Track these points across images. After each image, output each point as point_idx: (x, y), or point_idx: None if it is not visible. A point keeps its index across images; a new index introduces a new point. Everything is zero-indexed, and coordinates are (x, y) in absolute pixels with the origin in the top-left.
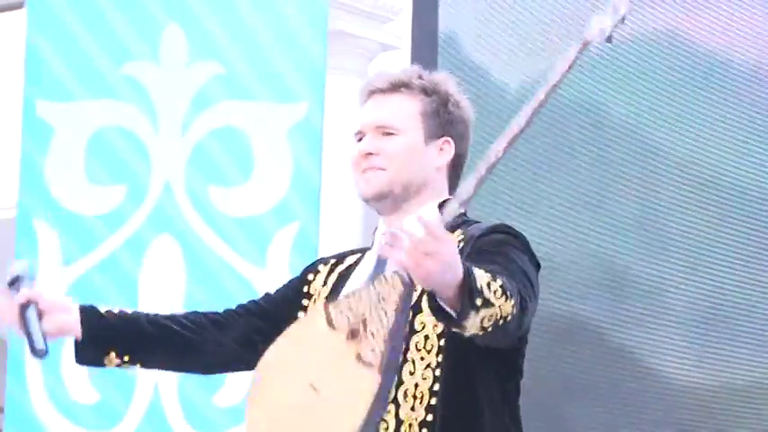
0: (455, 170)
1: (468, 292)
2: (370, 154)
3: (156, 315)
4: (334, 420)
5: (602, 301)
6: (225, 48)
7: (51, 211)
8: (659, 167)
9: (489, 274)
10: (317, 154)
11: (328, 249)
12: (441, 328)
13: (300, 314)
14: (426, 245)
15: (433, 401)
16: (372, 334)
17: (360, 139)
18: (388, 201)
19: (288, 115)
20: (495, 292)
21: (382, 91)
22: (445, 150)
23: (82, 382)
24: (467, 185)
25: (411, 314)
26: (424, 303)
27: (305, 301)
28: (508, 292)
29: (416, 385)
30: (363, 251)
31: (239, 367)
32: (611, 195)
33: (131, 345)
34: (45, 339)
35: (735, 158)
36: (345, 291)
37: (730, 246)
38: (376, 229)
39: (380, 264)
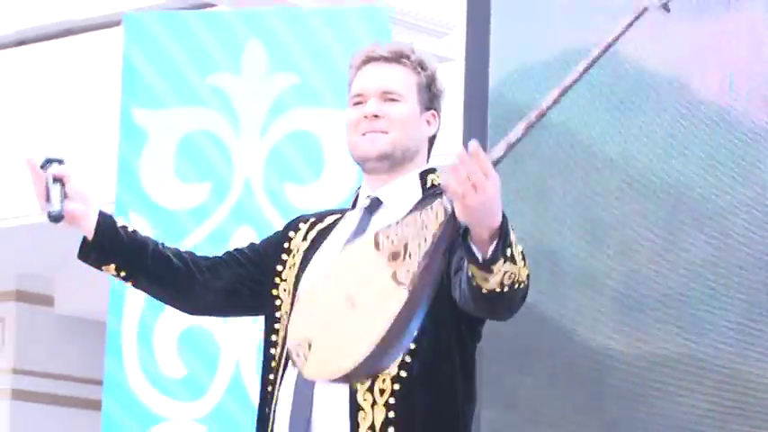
0: (431, 144)
1: (503, 239)
2: (376, 116)
3: (163, 246)
4: (361, 330)
5: (542, 283)
6: (300, 60)
7: (144, 206)
8: (594, 164)
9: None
10: None
11: None
12: None
13: (279, 267)
14: (477, 177)
15: (408, 359)
16: (410, 256)
17: (358, 103)
18: (387, 162)
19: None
20: (520, 253)
21: (385, 59)
22: (431, 123)
23: (171, 358)
24: (516, 129)
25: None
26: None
27: (284, 256)
28: (526, 260)
29: None
30: (343, 211)
31: (223, 313)
32: (551, 188)
33: (131, 265)
34: (62, 207)
35: (661, 158)
36: (324, 247)
37: (657, 234)
38: (358, 192)
39: (363, 221)
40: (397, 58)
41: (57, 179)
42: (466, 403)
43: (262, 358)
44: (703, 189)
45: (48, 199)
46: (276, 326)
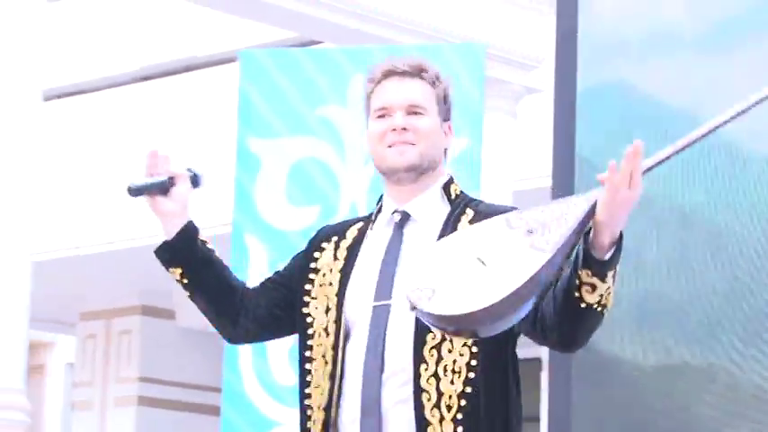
0: (446, 154)
1: (619, 250)
2: (405, 129)
3: (229, 273)
4: (493, 283)
5: None
6: None
7: (259, 228)
8: None
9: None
10: (476, 180)
11: None
12: None
13: (307, 287)
14: (637, 175)
15: (471, 375)
16: (549, 230)
17: (382, 116)
18: (414, 173)
19: (451, 148)
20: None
21: (408, 74)
22: (448, 134)
23: (284, 367)
24: (664, 151)
25: None
26: None
27: (311, 275)
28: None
29: (455, 361)
30: (359, 220)
31: (258, 339)
32: None
33: (195, 275)
34: (144, 190)
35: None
36: (359, 263)
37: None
38: (381, 202)
39: (396, 236)
40: (418, 71)
41: (171, 177)
42: (515, 418)
43: (298, 373)
44: (717, 216)
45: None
46: (309, 342)
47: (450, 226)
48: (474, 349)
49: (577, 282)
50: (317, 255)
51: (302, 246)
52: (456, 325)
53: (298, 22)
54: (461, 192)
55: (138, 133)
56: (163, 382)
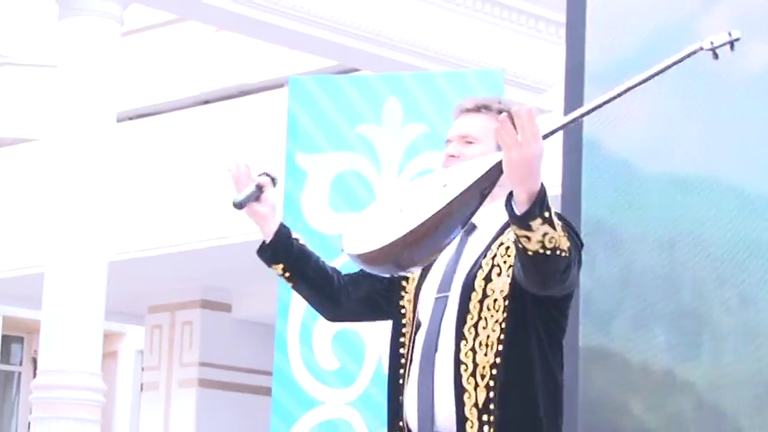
0: None
1: (540, 202)
2: (453, 156)
3: (322, 261)
4: (398, 225)
5: None
6: (429, 113)
7: (305, 232)
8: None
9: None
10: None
11: None
12: (507, 291)
13: (404, 283)
14: (525, 135)
15: (501, 348)
16: (460, 180)
17: (448, 143)
18: None
19: None
20: (559, 224)
21: (469, 110)
22: None
23: (327, 353)
24: (564, 118)
25: (483, 283)
26: (494, 272)
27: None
28: (568, 233)
29: (488, 336)
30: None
31: (357, 319)
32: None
33: (296, 268)
34: (245, 202)
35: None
36: (434, 265)
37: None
38: None
39: (462, 242)
40: (479, 108)
41: (259, 186)
42: (544, 387)
43: (389, 356)
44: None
45: (241, 192)
46: (403, 330)
47: (503, 231)
48: (503, 326)
49: (515, 236)
50: None
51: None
52: (369, 261)
53: (339, 52)
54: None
55: (199, 150)
56: (220, 366)
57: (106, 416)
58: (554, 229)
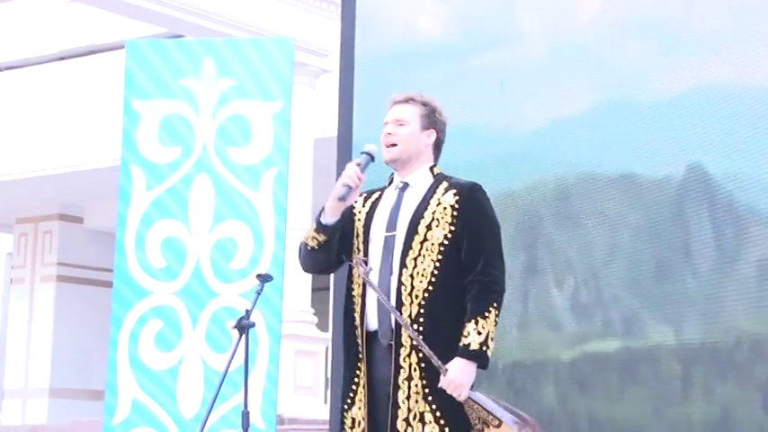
0: (437, 148)
1: (482, 364)
2: (390, 134)
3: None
4: None
5: None
6: (236, 70)
7: (139, 161)
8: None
9: (478, 324)
10: (287, 131)
11: (295, 186)
12: (442, 240)
13: (357, 224)
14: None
15: (433, 279)
16: None
17: (385, 125)
18: (398, 163)
19: (269, 108)
20: (488, 334)
21: (400, 102)
22: (431, 136)
23: (156, 254)
24: (483, 401)
25: (425, 229)
26: (434, 224)
27: (356, 219)
28: (493, 313)
29: (424, 268)
30: (382, 189)
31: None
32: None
33: (329, 242)
34: (347, 195)
35: None
36: (377, 211)
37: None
38: (392, 176)
39: (399, 196)
40: (407, 100)
41: (370, 155)
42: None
43: (347, 281)
44: None
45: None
46: (354, 272)
47: (431, 190)
48: (437, 264)
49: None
50: (354, 205)
51: (169, 173)
52: None
53: (169, 22)
54: (440, 171)
55: (58, 97)
56: (74, 265)
57: None
58: (491, 339)
